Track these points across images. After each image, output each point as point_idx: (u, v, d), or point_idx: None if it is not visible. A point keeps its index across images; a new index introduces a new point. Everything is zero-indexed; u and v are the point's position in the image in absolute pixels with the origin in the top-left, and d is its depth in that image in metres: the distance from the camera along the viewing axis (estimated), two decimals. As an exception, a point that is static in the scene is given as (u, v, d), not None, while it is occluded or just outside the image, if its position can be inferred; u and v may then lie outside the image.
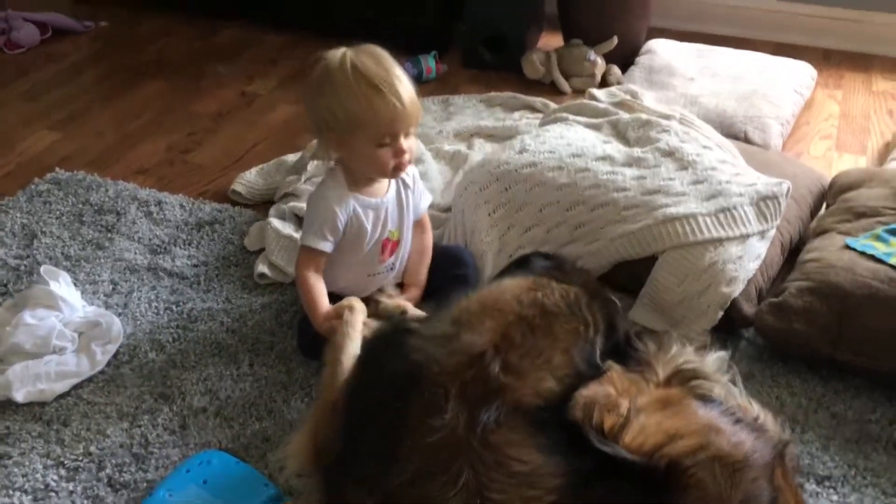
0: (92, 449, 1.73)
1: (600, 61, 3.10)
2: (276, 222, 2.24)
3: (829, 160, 2.70)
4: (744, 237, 1.98)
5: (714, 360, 1.59)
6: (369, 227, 1.88)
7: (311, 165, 2.38)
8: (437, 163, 2.66)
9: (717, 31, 3.46)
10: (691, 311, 1.95)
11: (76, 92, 3.15)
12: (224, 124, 2.95)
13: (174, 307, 2.09)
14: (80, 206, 2.45)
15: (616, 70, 3.15)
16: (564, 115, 2.44)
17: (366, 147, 1.79)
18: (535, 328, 1.43)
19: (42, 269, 2.06)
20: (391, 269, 1.99)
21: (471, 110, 2.96)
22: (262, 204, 2.48)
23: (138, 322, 2.04)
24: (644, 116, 2.29)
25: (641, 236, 2.00)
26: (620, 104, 2.42)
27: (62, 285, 2.04)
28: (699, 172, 2.08)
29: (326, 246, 1.85)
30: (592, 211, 2.07)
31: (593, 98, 2.53)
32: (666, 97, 2.84)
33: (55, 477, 1.67)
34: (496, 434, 1.28)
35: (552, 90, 3.12)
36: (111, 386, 1.88)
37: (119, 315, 2.06)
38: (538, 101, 2.95)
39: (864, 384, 1.86)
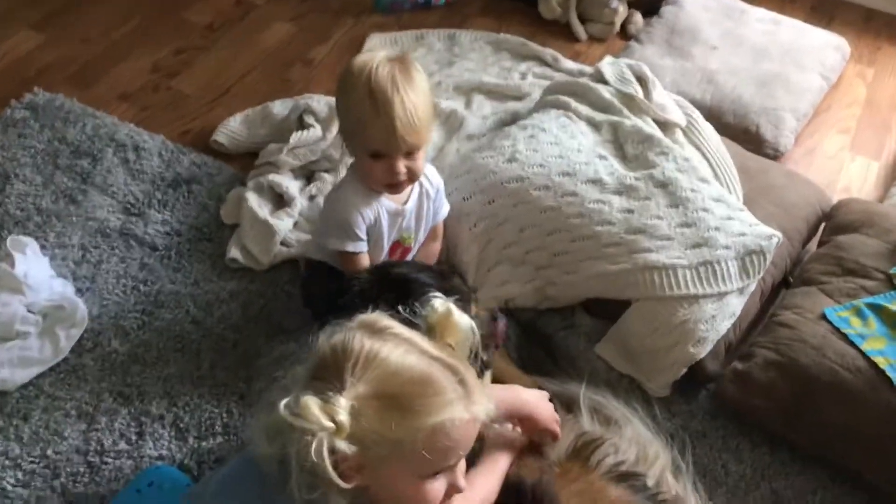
0: (49, 452, 1.78)
1: (622, 9, 2.88)
2: (252, 199, 2.18)
3: (841, 162, 2.58)
4: (721, 295, 1.93)
5: None
6: (385, 232, 1.87)
7: (295, 137, 2.27)
8: (431, 121, 2.54)
9: (757, -28, 3.18)
10: (655, 363, 1.94)
11: (65, -24, 2.95)
12: (215, 42, 2.79)
13: (142, 286, 2.08)
14: (56, 143, 2.37)
15: (638, 18, 2.93)
16: (567, 99, 2.30)
17: (360, 154, 1.77)
18: None
19: (8, 240, 2.03)
20: None
21: (476, 55, 2.79)
22: (244, 157, 2.40)
23: (104, 303, 2.04)
24: (646, 130, 2.16)
25: (617, 279, 1.95)
26: (627, 100, 2.28)
27: (29, 256, 2.02)
28: (689, 213, 1.99)
29: (363, 246, 1.85)
30: (573, 242, 2.00)
31: (600, 78, 2.37)
32: (683, 68, 2.66)
33: (11, 481, 1.73)
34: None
35: (567, 33, 2.92)
36: (72, 378, 1.90)
37: (87, 290, 2.05)
38: (548, 52, 2.77)
39: (810, 460, 1.87)
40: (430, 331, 1.31)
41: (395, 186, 1.80)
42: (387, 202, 1.84)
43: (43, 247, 2.12)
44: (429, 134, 1.78)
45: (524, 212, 2.02)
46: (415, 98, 1.70)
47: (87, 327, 1.98)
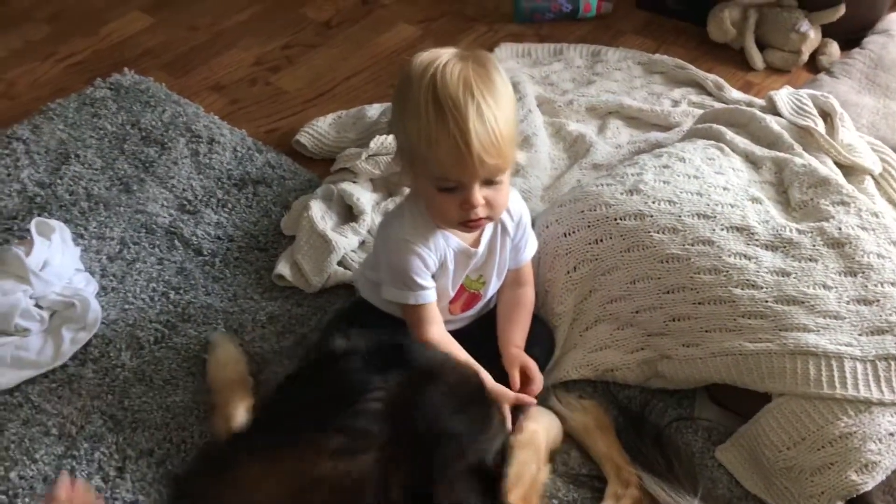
0: (13, 475, 1.47)
1: (812, 34, 2.34)
2: (316, 209, 1.82)
3: None
4: (907, 405, 1.36)
5: None
6: (451, 275, 1.46)
7: (376, 141, 1.90)
8: (553, 144, 2.11)
9: None
10: (798, 487, 1.39)
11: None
12: (329, 39, 2.50)
13: (172, 294, 1.76)
14: (128, 127, 2.13)
15: (833, 48, 2.37)
16: (722, 128, 1.81)
17: (425, 185, 1.35)
18: None
19: (34, 222, 1.77)
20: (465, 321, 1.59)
21: (622, 75, 2.33)
22: (327, 163, 2.05)
23: (126, 307, 1.73)
24: (822, 171, 1.62)
25: (755, 363, 1.43)
26: (802, 134, 1.75)
27: (54, 242, 1.75)
28: (871, 287, 1.44)
29: (429, 295, 1.44)
30: (700, 305, 1.49)
31: (772, 108, 1.86)
32: (886, 110, 2.09)
33: (-39, 503, 1.44)
34: None
35: (739, 60, 2.41)
36: (65, 389, 1.60)
37: (111, 291, 1.76)
38: (710, 79, 2.27)
39: None
40: None
41: (470, 225, 1.37)
42: (454, 239, 1.42)
43: (80, 236, 1.86)
44: (513, 154, 1.33)
45: (639, 259, 1.54)
46: (495, 106, 1.27)
47: (97, 332, 1.68)
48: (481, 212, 1.33)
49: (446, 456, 1.02)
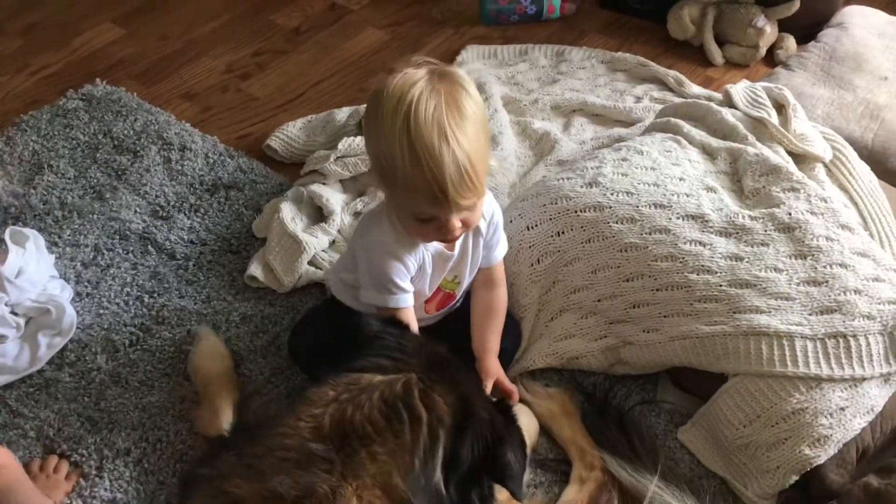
0: (-9, 478, 1.50)
1: (769, 29, 2.40)
2: (286, 211, 1.86)
3: None
4: (856, 381, 1.41)
5: None
6: (429, 278, 1.50)
7: (344, 143, 1.94)
8: (520, 142, 2.16)
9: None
10: (754, 463, 1.44)
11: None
12: (298, 45, 2.54)
13: (146, 297, 1.80)
14: (101, 136, 2.16)
15: (790, 42, 2.44)
16: (679, 122, 1.86)
17: (403, 213, 1.38)
18: (331, 470, 1.08)
19: (7, 231, 1.80)
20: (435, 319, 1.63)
21: (586, 73, 2.39)
22: (297, 166, 2.09)
23: (101, 312, 1.77)
24: (773, 160, 1.68)
25: (711, 345, 1.48)
26: (756, 125, 1.80)
27: (29, 250, 1.78)
28: (820, 268, 1.50)
29: (408, 299, 1.47)
30: (658, 291, 1.54)
31: (729, 101, 1.91)
32: (840, 100, 2.15)
33: (-61, 507, 1.46)
34: None
35: (700, 56, 2.47)
36: (42, 393, 1.63)
37: (86, 297, 1.80)
38: (671, 75, 2.33)
39: None
40: None
41: (448, 241, 1.43)
42: (432, 243, 1.46)
43: (55, 244, 1.89)
44: (486, 179, 1.34)
45: (599, 249, 1.59)
46: (468, 145, 1.27)
47: (73, 337, 1.72)
48: (458, 232, 1.37)
49: (474, 388, 1.25)
